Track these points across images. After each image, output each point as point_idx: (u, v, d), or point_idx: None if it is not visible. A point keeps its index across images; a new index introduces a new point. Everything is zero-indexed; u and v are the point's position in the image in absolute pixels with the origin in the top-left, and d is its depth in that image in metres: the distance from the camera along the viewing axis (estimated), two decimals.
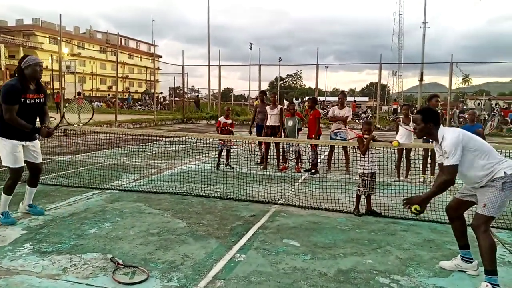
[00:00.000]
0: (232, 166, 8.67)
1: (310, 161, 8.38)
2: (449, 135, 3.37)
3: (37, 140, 4.84)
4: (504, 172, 3.27)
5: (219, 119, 9.07)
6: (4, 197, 4.64)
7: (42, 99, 4.70)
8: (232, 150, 9.07)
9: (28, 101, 4.48)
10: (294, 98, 46.80)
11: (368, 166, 5.31)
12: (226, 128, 8.80)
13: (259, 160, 9.23)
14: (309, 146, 8.38)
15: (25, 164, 4.73)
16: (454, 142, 3.28)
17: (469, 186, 3.52)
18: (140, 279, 3.28)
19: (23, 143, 4.61)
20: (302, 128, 8.93)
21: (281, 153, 8.74)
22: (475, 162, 3.32)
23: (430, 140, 7.69)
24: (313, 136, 8.27)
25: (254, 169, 8.50)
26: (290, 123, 8.46)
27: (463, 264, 3.64)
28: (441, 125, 3.53)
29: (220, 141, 8.68)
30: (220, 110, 24.78)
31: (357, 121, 23.20)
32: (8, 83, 4.50)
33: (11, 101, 4.37)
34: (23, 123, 4.43)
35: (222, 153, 8.81)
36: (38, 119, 4.80)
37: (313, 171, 8.20)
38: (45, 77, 34.31)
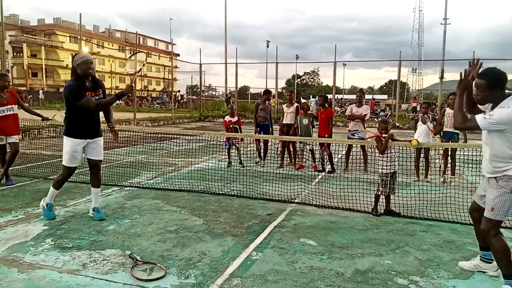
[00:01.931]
0: (244, 164, 8.69)
1: (325, 161, 8.31)
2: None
3: (101, 137, 4.86)
4: None
5: (225, 118, 9.09)
6: (52, 190, 4.77)
7: (100, 95, 4.70)
8: (242, 148, 9.06)
9: None
10: (311, 96, 46.54)
11: (387, 166, 5.23)
12: (232, 126, 8.82)
13: (258, 159, 9.09)
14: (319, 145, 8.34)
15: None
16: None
17: (483, 180, 3.38)
18: (158, 276, 3.31)
19: (86, 140, 4.66)
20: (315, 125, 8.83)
21: (297, 151, 8.69)
22: (506, 144, 3.08)
23: (448, 139, 7.51)
24: (325, 136, 8.20)
25: (271, 167, 8.49)
26: (305, 121, 8.41)
27: (482, 265, 3.56)
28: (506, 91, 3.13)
29: (225, 139, 8.73)
30: (237, 108, 24.81)
31: (375, 119, 22.93)
32: (68, 83, 4.51)
33: (79, 96, 4.39)
34: (107, 97, 4.55)
35: (232, 151, 8.85)
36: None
37: (330, 169, 8.15)
38: (66, 76, 34.95)
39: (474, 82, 3.27)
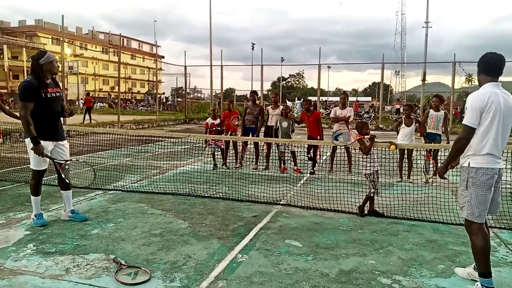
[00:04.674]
0: (228, 166, 8.71)
1: (310, 162, 8.38)
2: (476, 93, 3.12)
3: (65, 140, 4.79)
4: (468, 163, 3.11)
5: (207, 120, 9.08)
6: (33, 199, 4.66)
7: (60, 93, 4.71)
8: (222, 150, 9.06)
9: (49, 95, 4.48)
10: (296, 98, 46.80)
11: (371, 165, 5.30)
12: (214, 129, 8.82)
13: (238, 162, 9.01)
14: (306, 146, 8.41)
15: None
16: (475, 102, 3.04)
17: None
18: (142, 280, 3.29)
19: (54, 142, 4.59)
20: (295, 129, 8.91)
21: (279, 154, 8.70)
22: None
23: (431, 140, 7.63)
24: (317, 138, 8.27)
25: (257, 169, 8.51)
26: (285, 124, 8.46)
27: (474, 273, 3.41)
28: (490, 83, 3.12)
29: (209, 142, 8.72)
30: (222, 110, 24.80)
31: (359, 121, 23.16)
32: (25, 80, 4.50)
33: (27, 97, 4.36)
34: (31, 126, 4.35)
35: (216, 154, 8.87)
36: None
37: (312, 171, 8.23)
38: None
39: None
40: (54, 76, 4.70)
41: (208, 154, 9.08)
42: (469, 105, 3.09)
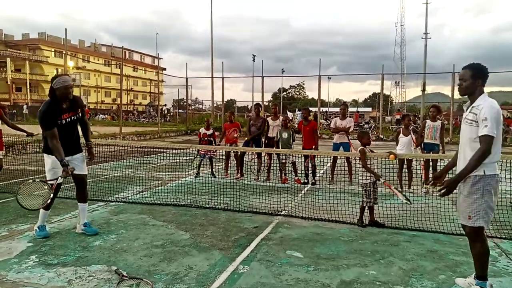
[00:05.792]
0: (216, 175, 8.95)
1: (309, 173, 8.39)
2: (492, 103, 3.16)
3: (81, 152, 4.83)
4: (484, 171, 3.16)
5: (200, 130, 9.36)
6: (42, 212, 4.69)
7: (78, 114, 4.68)
8: (214, 160, 9.41)
9: (63, 121, 4.51)
10: (296, 109, 46.94)
11: (369, 175, 5.33)
12: (206, 138, 9.13)
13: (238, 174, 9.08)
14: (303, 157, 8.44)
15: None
16: (495, 113, 3.10)
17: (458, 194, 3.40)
18: None
19: (66, 157, 4.57)
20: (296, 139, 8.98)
21: (279, 165, 8.74)
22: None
23: (429, 150, 7.68)
24: (312, 148, 8.30)
25: (259, 180, 8.53)
26: (285, 135, 8.50)
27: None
28: (486, 93, 3.25)
29: (200, 151, 8.94)
30: (223, 122, 24.91)
31: (360, 131, 23.17)
32: (41, 109, 4.48)
33: (48, 126, 4.40)
34: (60, 152, 4.37)
35: (202, 162, 9.18)
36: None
37: (313, 181, 8.25)
38: None
39: (459, 73, 3.44)
40: (74, 98, 4.62)
41: (195, 164, 9.27)
42: (488, 116, 3.09)
